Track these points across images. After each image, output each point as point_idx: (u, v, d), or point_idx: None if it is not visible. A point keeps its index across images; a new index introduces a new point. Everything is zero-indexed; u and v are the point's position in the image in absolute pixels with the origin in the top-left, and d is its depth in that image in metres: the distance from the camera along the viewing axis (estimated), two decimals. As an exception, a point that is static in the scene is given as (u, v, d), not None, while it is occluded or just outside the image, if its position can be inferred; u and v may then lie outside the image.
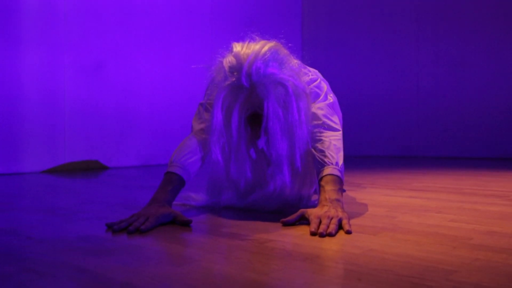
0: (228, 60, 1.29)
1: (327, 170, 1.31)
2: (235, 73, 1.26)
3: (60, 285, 0.75)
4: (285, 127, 1.27)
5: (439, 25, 4.18)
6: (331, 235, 1.07)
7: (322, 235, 1.07)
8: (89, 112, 3.33)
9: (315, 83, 1.49)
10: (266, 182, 1.36)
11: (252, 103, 1.26)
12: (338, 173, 1.31)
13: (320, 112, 1.42)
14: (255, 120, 1.31)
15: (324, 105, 1.46)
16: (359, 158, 4.03)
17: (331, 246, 1.00)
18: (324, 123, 1.41)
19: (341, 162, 1.36)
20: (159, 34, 3.68)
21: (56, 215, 1.43)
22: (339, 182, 1.30)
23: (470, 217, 1.31)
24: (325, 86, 1.52)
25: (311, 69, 1.59)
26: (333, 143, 1.37)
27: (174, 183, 1.33)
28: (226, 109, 1.27)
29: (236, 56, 1.27)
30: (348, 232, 1.10)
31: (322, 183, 1.29)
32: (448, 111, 4.12)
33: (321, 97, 1.47)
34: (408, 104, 4.34)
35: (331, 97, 1.50)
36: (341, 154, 1.38)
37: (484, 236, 1.07)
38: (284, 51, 1.34)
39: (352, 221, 1.21)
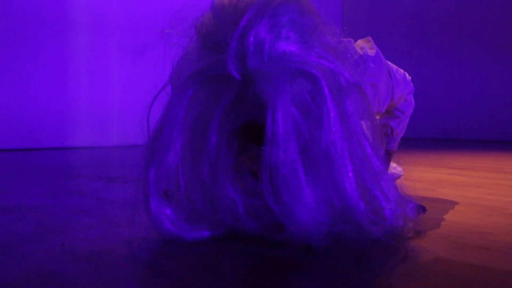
0: (205, 18, 0.73)
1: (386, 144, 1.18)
2: (214, 49, 0.70)
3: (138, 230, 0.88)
4: (313, 163, 0.67)
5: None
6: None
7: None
8: (135, 94, 3.50)
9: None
10: None
11: (246, 110, 0.71)
12: (396, 148, 1.25)
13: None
14: (252, 132, 0.74)
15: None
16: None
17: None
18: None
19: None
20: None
21: (117, 182, 1.57)
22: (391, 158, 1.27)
23: (509, 192, 1.36)
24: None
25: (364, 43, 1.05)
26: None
27: None
28: (194, 121, 0.73)
29: (218, 11, 0.70)
30: None
31: None
32: (490, 94, 4.06)
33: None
34: (449, 89, 4.30)
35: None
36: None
37: (521, 207, 1.12)
38: (309, 7, 0.75)
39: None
